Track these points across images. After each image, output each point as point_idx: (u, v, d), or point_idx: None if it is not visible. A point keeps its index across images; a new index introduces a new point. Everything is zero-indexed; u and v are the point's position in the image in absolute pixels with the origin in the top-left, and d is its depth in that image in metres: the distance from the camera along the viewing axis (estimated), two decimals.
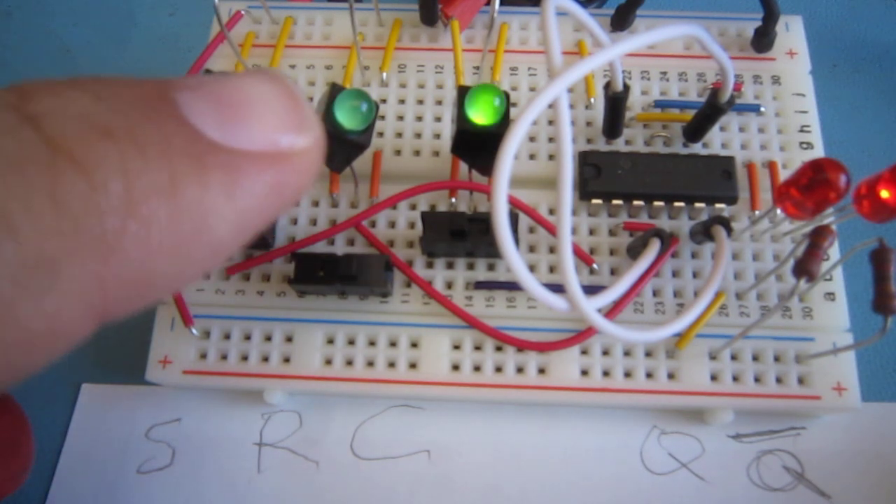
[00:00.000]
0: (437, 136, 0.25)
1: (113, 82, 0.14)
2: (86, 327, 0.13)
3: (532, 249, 0.23)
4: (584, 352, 0.22)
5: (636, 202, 0.23)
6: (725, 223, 0.21)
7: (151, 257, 0.13)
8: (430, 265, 0.23)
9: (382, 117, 0.25)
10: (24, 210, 0.11)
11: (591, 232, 0.23)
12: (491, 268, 0.23)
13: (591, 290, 0.22)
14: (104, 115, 0.13)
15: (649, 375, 0.22)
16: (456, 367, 0.22)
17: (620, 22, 0.26)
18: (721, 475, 0.23)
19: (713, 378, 0.22)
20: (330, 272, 0.21)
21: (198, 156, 0.13)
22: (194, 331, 0.22)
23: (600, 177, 0.23)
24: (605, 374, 0.22)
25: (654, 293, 0.23)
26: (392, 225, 0.24)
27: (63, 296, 0.12)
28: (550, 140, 0.24)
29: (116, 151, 0.12)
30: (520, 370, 0.22)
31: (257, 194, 0.14)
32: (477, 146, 0.21)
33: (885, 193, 0.17)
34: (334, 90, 0.20)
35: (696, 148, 0.24)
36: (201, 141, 0.14)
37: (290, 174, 0.15)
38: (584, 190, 0.23)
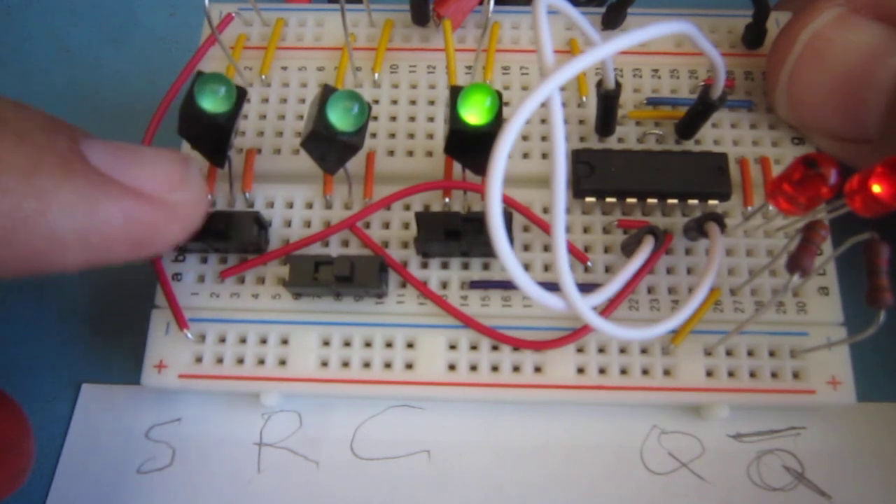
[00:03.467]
0: (431, 137, 0.25)
1: (39, 112, 0.16)
2: None
3: (527, 248, 0.23)
4: (579, 350, 0.22)
5: (630, 200, 0.23)
6: (719, 219, 0.21)
7: None
8: (424, 265, 0.23)
9: (375, 118, 0.25)
10: None
11: (585, 230, 0.23)
12: (486, 267, 0.23)
13: (586, 287, 0.22)
14: (8, 115, 0.15)
15: (645, 372, 0.22)
16: (452, 367, 0.22)
17: (612, 20, 0.26)
18: (721, 475, 0.23)
19: (709, 374, 0.22)
20: (325, 274, 0.21)
21: (69, 162, 0.16)
22: (189, 335, 0.22)
23: (594, 175, 0.23)
24: (602, 371, 0.22)
25: (649, 290, 0.23)
26: (386, 226, 0.24)
27: None
28: (543, 139, 0.24)
29: None
30: (516, 369, 0.22)
31: (113, 217, 0.17)
32: (470, 146, 0.21)
33: (876, 188, 0.17)
34: (326, 92, 0.20)
35: (689, 145, 0.24)
36: (79, 155, 0.16)
37: (153, 213, 0.17)
38: (578, 188, 0.23)
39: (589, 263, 0.23)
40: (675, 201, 0.23)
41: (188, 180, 0.18)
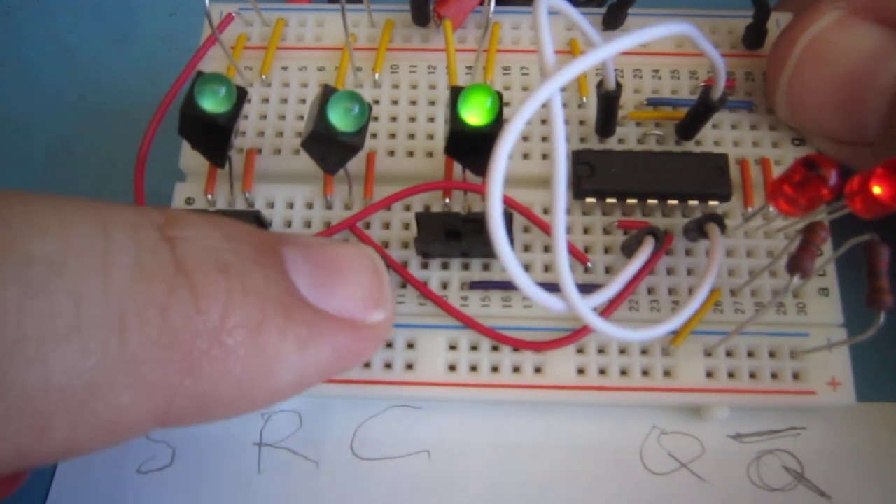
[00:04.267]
0: (431, 137, 0.25)
1: (241, 227, 0.16)
2: (143, 428, 0.13)
3: (527, 249, 0.23)
4: (579, 350, 0.22)
5: (630, 200, 0.23)
6: (719, 220, 0.21)
7: (220, 383, 0.14)
8: (424, 266, 0.23)
9: (376, 118, 0.25)
10: (138, 316, 0.13)
11: (586, 230, 0.23)
12: (486, 268, 0.23)
13: (586, 288, 0.22)
14: (226, 254, 0.14)
15: (645, 373, 0.22)
16: (452, 368, 0.22)
17: (612, 21, 0.26)
18: (721, 475, 0.23)
19: (709, 375, 0.22)
20: None
21: (287, 307, 0.15)
22: None
23: (594, 175, 0.23)
24: (602, 372, 0.22)
25: (649, 291, 0.23)
26: (386, 226, 0.24)
27: (137, 396, 0.13)
28: (544, 139, 0.24)
29: (225, 286, 0.14)
30: (516, 369, 0.22)
31: (325, 354, 0.16)
32: (470, 147, 0.21)
33: (877, 189, 0.17)
34: (327, 92, 0.20)
35: (689, 146, 0.24)
36: (293, 295, 0.16)
37: (358, 342, 0.17)
38: (578, 188, 0.23)
39: (589, 264, 0.23)
40: (675, 202, 0.23)
41: (385, 296, 0.17)
